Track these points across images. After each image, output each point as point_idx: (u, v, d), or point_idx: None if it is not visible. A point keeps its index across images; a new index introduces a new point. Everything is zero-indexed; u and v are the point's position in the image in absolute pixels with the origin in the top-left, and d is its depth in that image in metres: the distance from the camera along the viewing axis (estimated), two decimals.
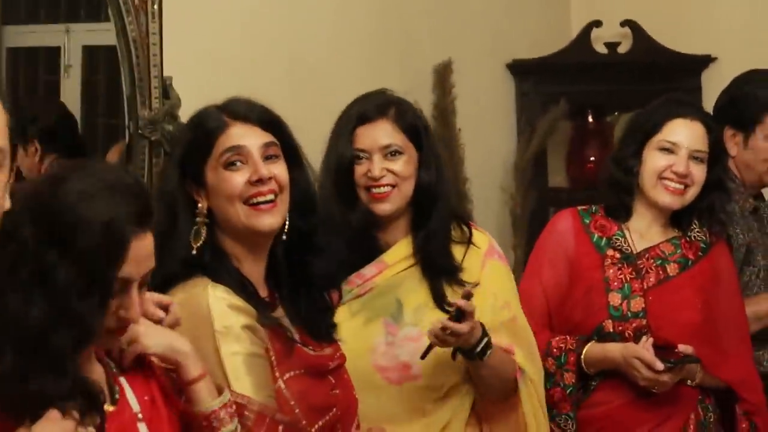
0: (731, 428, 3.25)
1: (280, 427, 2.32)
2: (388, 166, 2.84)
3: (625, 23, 4.93)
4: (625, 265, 3.21)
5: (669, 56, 4.92)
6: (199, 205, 2.40)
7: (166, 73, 3.49)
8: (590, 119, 4.99)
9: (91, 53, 3.77)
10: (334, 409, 2.46)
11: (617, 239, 3.23)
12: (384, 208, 2.85)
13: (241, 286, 2.38)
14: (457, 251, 2.90)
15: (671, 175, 3.16)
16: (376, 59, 4.28)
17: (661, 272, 3.21)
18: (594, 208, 3.29)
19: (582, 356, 3.12)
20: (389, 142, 2.85)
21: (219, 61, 3.69)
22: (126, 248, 1.91)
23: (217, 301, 2.32)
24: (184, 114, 3.47)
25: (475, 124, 4.55)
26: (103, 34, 3.60)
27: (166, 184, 2.43)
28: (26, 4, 3.74)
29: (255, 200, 2.38)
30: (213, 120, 2.42)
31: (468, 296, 2.71)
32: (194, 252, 2.37)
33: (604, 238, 3.24)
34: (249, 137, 2.40)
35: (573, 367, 3.13)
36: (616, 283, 3.19)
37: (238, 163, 2.39)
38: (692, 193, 3.19)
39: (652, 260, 3.22)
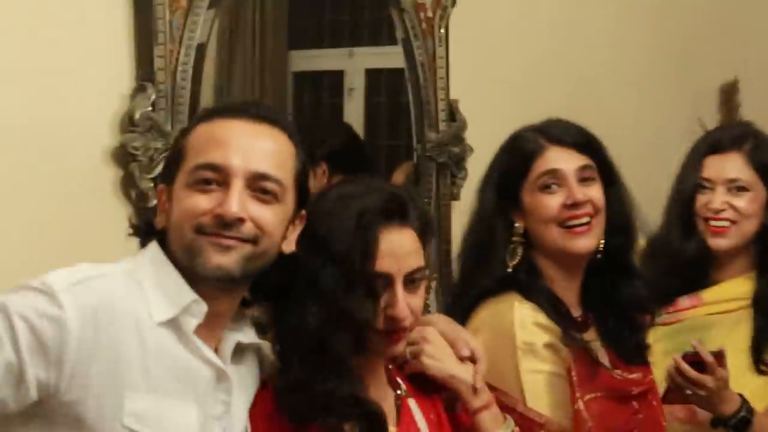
0: None
1: None
2: (730, 200, 2.80)
3: None
4: None
5: None
6: (516, 225, 2.42)
7: (452, 96, 3.52)
8: None
9: (373, 76, 3.84)
10: None
11: None
12: (719, 243, 2.81)
13: (551, 305, 2.38)
14: None
15: None
16: (656, 79, 4.22)
17: None
18: None
19: None
20: (736, 176, 2.81)
21: (503, 84, 3.71)
22: (375, 240, 1.94)
23: (522, 317, 2.34)
24: (471, 136, 3.51)
25: None
26: (385, 57, 3.67)
27: (483, 203, 2.46)
28: (311, 29, 3.84)
29: (570, 223, 2.38)
30: (530, 143, 2.43)
31: (720, 354, 2.59)
32: (509, 270, 2.39)
33: None
34: (565, 161, 2.40)
35: None
36: None
37: (554, 186, 2.39)
38: None
39: None
